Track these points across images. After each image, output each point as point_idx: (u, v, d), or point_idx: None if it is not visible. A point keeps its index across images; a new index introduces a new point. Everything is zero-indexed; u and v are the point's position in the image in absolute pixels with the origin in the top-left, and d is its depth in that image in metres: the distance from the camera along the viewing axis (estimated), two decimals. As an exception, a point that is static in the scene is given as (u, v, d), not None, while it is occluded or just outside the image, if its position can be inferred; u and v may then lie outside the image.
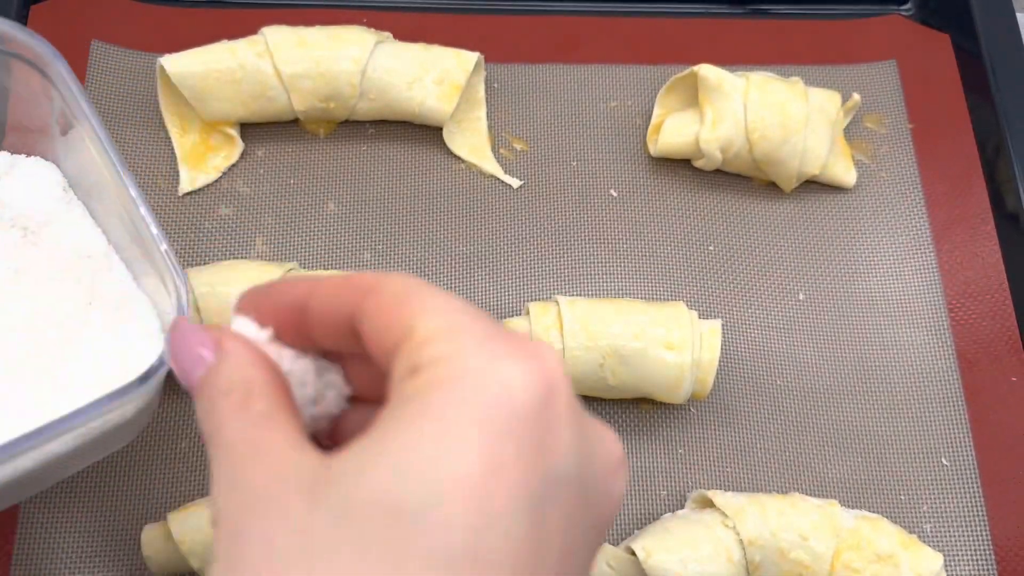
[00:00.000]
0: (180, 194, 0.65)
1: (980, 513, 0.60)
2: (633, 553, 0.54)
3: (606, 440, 0.27)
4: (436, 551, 0.21)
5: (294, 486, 0.23)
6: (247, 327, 0.28)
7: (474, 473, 0.22)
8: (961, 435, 0.62)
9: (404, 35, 0.69)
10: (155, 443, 0.58)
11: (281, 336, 0.28)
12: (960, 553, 0.59)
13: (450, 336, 0.23)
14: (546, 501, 0.23)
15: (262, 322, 0.28)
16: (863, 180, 0.69)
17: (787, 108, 0.64)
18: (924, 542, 0.57)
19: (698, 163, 0.67)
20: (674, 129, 0.67)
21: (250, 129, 0.67)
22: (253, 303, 0.28)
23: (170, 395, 0.59)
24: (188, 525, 0.52)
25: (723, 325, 0.63)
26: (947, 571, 0.58)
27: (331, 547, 0.21)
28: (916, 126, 0.71)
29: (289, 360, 0.28)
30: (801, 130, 0.64)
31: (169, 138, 0.66)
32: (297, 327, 0.27)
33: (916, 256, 0.67)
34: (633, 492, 0.59)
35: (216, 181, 0.66)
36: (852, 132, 0.71)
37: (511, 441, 0.22)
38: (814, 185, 0.69)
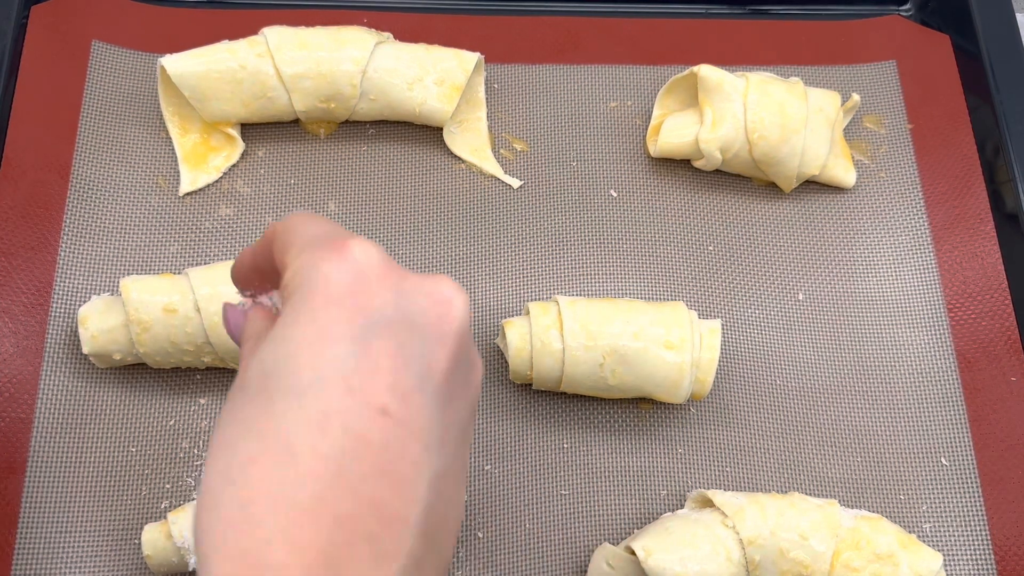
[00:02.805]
0: (181, 194, 0.65)
1: (979, 512, 0.60)
2: (633, 553, 0.54)
3: (433, 284, 0.34)
4: (289, 388, 0.31)
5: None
6: (245, 299, 0.40)
7: (308, 336, 0.31)
8: (960, 435, 0.62)
9: (404, 35, 0.69)
10: (155, 443, 0.58)
11: (266, 291, 0.39)
12: (959, 552, 0.59)
13: (299, 260, 0.34)
14: (369, 337, 0.31)
15: (253, 294, 0.39)
16: (863, 180, 0.69)
17: (787, 108, 0.64)
18: (923, 542, 0.57)
19: (698, 163, 0.67)
20: (674, 130, 0.67)
21: (250, 129, 0.67)
22: (240, 284, 0.40)
23: (171, 396, 0.59)
24: (188, 525, 0.52)
25: (723, 325, 0.63)
26: (946, 570, 0.58)
27: (239, 407, 0.32)
28: (915, 126, 0.71)
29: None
30: (801, 130, 0.64)
31: (170, 138, 0.66)
32: (264, 282, 0.38)
33: (915, 256, 0.67)
34: (633, 492, 0.59)
35: (217, 181, 0.66)
36: (852, 132, 0.71)
37: (330, 312, 0.32)
38: (814, 185, 0.69)
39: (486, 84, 0.70)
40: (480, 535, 0.58)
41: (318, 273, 0.33)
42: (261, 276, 0.38)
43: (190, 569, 0.52)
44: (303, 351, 0.31)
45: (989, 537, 0.59)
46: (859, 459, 0.61)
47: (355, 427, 0.30)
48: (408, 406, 0.31)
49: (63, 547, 0.55)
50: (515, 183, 0.67)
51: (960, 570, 0.59)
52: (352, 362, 0.31)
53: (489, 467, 0.59)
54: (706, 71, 0.65)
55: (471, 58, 0.66)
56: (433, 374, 0.33)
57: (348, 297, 0.32)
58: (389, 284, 0.33)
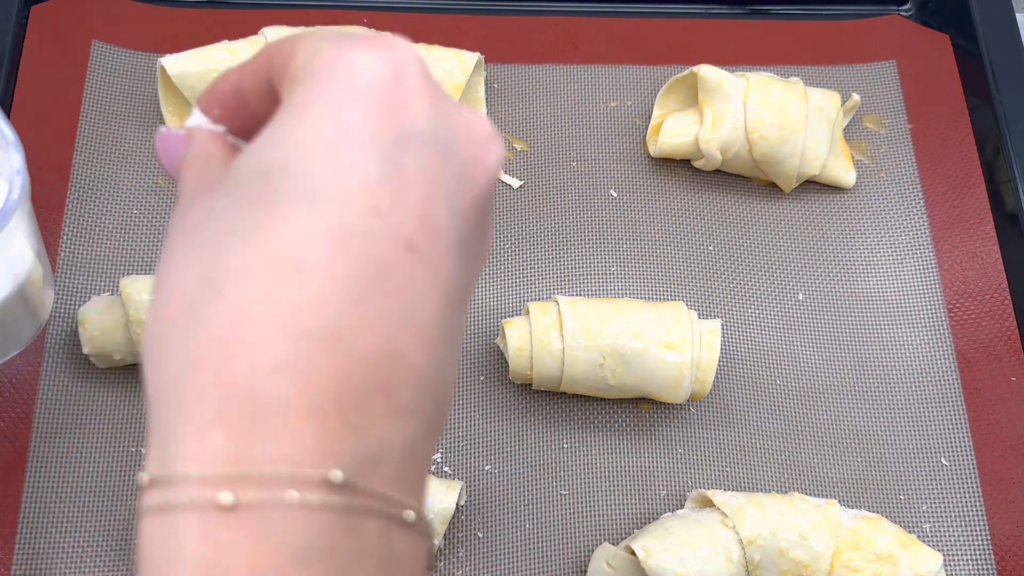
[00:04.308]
0: (180, 194, 0.65)
1: (979, 513, 0.60)
2: (633, 553, 0.54)
3: (472, 118, 0.29)
4: (300, 192, 0.24)
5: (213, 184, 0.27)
6: (203, 122, 0.32)
7: (325, 133, 0.25)
8: (960, 435, 0.62)
9: (404, 35, 0.69)
10: (155, 443, 0.58)
11: (233, 130, 0.31)
12: (959, 553, 0.59)
13: (314, 48, 0.27)
14: (400, 151, 0.26)
15: (216, 120, 0.31)
16: (863, 180, 0.69)
17: (787, 108, 0.64)
18: (923, 542, 0.57)
19: (698, 163, 0.67)
20: (674, 129, 0.67)
21: (250, 129, 0.67)
22: (205, 103, 0.31)
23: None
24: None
25: (723, 325, 0.63)
26: (946, 571, 0.58)
27: (223, 208, 0.25)
28: (915, 126, 0.71)
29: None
30: (800, 130, 0.64)
31: (169, 138, 0.66)
32: (239, 112, 0.31)
33: (915, 256, 0.67)
34: (633, 492, 0.59)
35: (216, 181, 0.66)
36: (852, 132, 0.71)
37: (357, 108, 0.26)
38: (814, 185, 0.69)
39: (486, 84, 0.70)
40: (480, 535, 0.58)
41: (346, 61, 0.27)
42: (241, 106, 0.30)
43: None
44: (320, 150, 0.25)
45: (989, 537, 0.59)
46: (859, 459, 0.61)
47: (381, 256, 0.24)
48: (435, 246, 0.26)
49: (63, 547, 0.55)
50: (515, 183, 0.67)
51: (960, 570, 0.59)
52: (380, 176, 0.25)
53: (489, 467, 0.59)
54: (706, 71, 0.65)
55: (471, 58, 0.66)
56: (461, 218, 0.27)
57: (381, 95, 0.26)
58: (430, 98, 0.27)
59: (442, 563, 0.57)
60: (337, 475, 0.23)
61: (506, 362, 0.61)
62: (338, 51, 0.27)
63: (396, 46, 0.28)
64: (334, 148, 0.25)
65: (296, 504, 0.22)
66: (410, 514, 0.24)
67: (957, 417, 0.62)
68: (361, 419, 0.24)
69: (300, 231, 0.24)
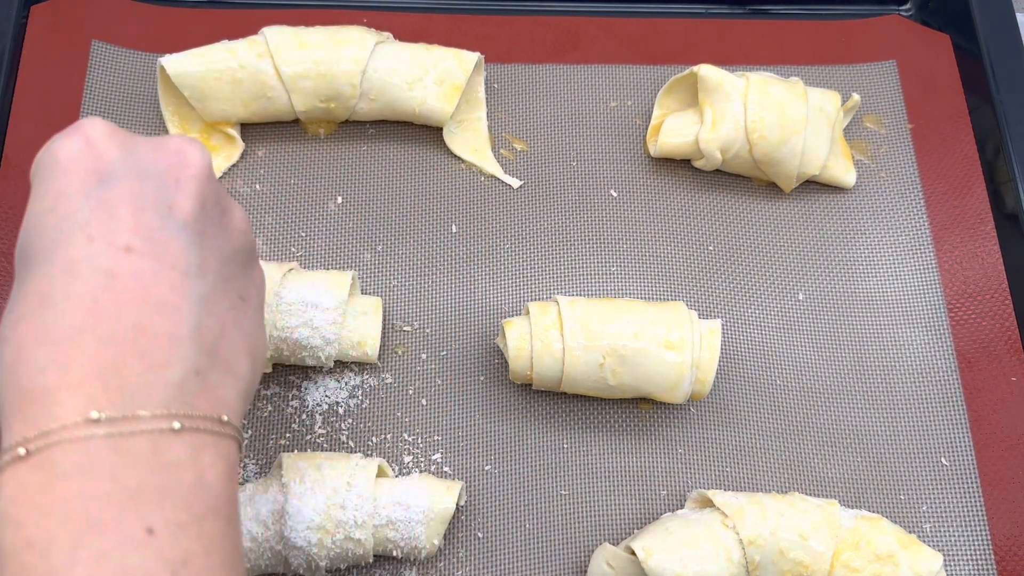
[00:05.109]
0: (180, 194, 0.65)
1: (979, 513, 0.60)
2: (633, 553, 0.54)
3: (161, 141, 0.39)
4: (39, 252, 0.35)
5: None
6: None
7: (47, 204, 0.36)
8: (960, 435, 0.62)
9: (404, 35, 0.69)
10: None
11: None
12: (959, 553, 0.59)
13: (40, 153, 0.38)
14: (103, 189, 0.36)
15: None
16: (863, 180, 0.69)
17: (787, 108, 0.64)
18: (924, 542, 0.57)
19: (698, 163, 0.67)
20: (674, 130, 0.67)
21: (250, 129, 0.67)
22: None
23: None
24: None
25: (723, 325, 0.63)
26: (946, 571, 0.58)
27: (10, 297, 0.36)
28: (916, 126, 0.71)
29: None
30: (801, 130, 0.64)
31: (169, 138, 0.66)
32: None
33: (916, 256, 0.67)
34: (633, 492, 0.59)
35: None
36: (852, 132, 0.71)
37: (61, 177, 0.36)
38: (814, 185, 0.69)
39: (486, 84, 0.70)
40: (480, 535, 0.58)
41: (49, 151, 0.37)
42: None
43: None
44: (44, 219, 0.36)
45: (989, 537, 0.59)
46: (859, 459, 0.61)
47: (103, 265, 0.34)
48: (153, 242, 0.35)
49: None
50: (515, 183, 0.67)
51: (960, 570, 0.59)
52: (88, 214, 0.35)
53: (489, 467, 0.59)
54: (706, 71, 0.65)
55: (471, 58, 0.66)
56: (176, 213, 0.37)
57: (77, 162, 0.37)
58: (116, 145, 0.38)
59: (442, 563, 0.57)
60: (94, 414, 0.33)
61: (506, 362, 0.61)
62: (46, 148, 0.38)
63: (82, 125, 0.38)
64: (54, 211, 0.36)
65: (66, 441, 0.32)
66: (176, 424, 0.34)
67: (957, 417, 0.62)
68: (119, 378, 0.34)
69: (43, 276, 0.35)
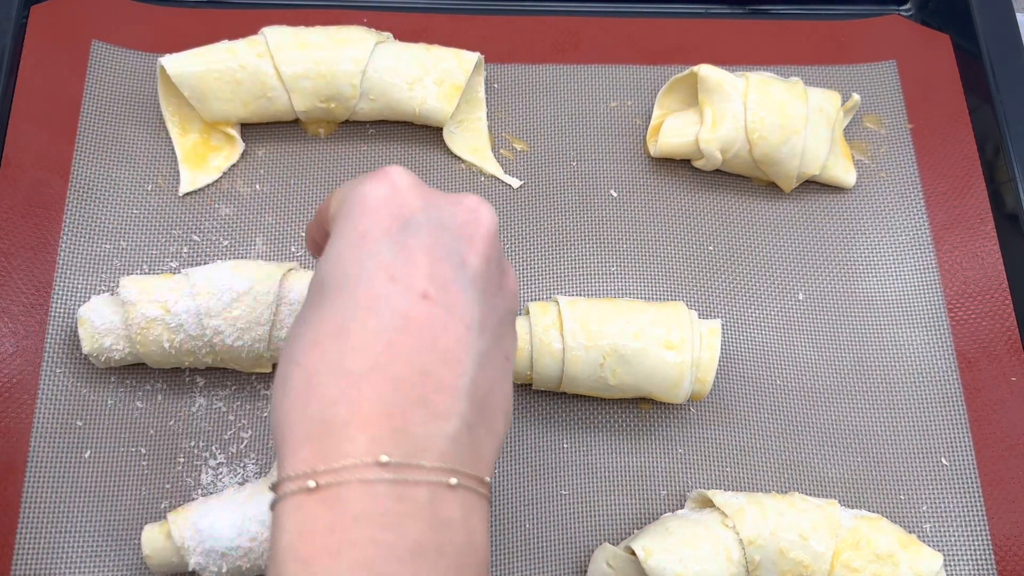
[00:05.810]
0: (181, 194, 0.65)
1: (979, 513, 0.60)
2: (633, 553, 0.54)
3: (459, 197, 0.40)
4: (338, 282, 0.36)
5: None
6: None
7: (352, 240, 0.37)
8: (960, 435, 0.62)
9: (404, 35, 0.69)
10: (155, 443, 0.58)
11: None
12: (959, 553, 0.59)
13: (340, 194, 0.40)
14: (405, 236, 0.37)
15: (315, 256, 0.45)
16: (863, 180, 0.69)
17: (787, 108, 0.64)
18: (924, 542, 0.57)
19: (698, 163, 0.67)
20: (674, 129, 0.67)
21: (250, 129, 0.67)
22: (312, 250, 0.45)
23: (171, 396, 0.59)
24: (188, 525, 0.52)
25: (723, 325, 0.63)
26: (946, 570, 0.58)
27: (302, 312, 0.38)
28: (916, 126, 0.71)
29: None
30: (801, 130, 0.64)
31: (169, 138, 0.66)
32: (319, 251, 0.43)
33: (916, 256, 0.67)
34: (633, 492, 0.59)
35: (216, 181, 0.66)
36: (852, 132, 0.71)
37: (368, 218, 0.37)
38: (814, 185, 0.69)
39: (486, 84, 0.70)
40: (480, 535, 0.58)
41: (357, 193, 0.38)
42: (317, 248, 0.44)
43: (190, 569, 0.52)
44: (347, 253, 0.37)
45: (989, 537, 0.59)
46: (859, 459, 0.61)
47: (400, 308, 0.35)
48: (447, 293, 0.36)
49: (63, 547, 0.55)
50: (515, 183, 0.67)
51: (960, 570, 0.59)
52: (391, 256, 0.36)
53: (489, 467, 0.59)
54: (706, 71, 0.65)
55: (471, 58, 0.66)
56: (467, 268, 0.38)
57: (383, 206, 0.38)
58: (419, 195, 0.39)
59: (442, 563, 0.57)
60: (383, 458, 0.33)
61: (506, 362, 0.61)
62: (352, 189, 0.39)
63: (390, 172, 0.39)
64: (358, 247, 0.37)
65: (356, 480, 0.32)
66: (453, 480, 0.34)
67: (957, 417, 0.62)
68: (405, 423, 0.34)
69: (342, 308, 0.36)
